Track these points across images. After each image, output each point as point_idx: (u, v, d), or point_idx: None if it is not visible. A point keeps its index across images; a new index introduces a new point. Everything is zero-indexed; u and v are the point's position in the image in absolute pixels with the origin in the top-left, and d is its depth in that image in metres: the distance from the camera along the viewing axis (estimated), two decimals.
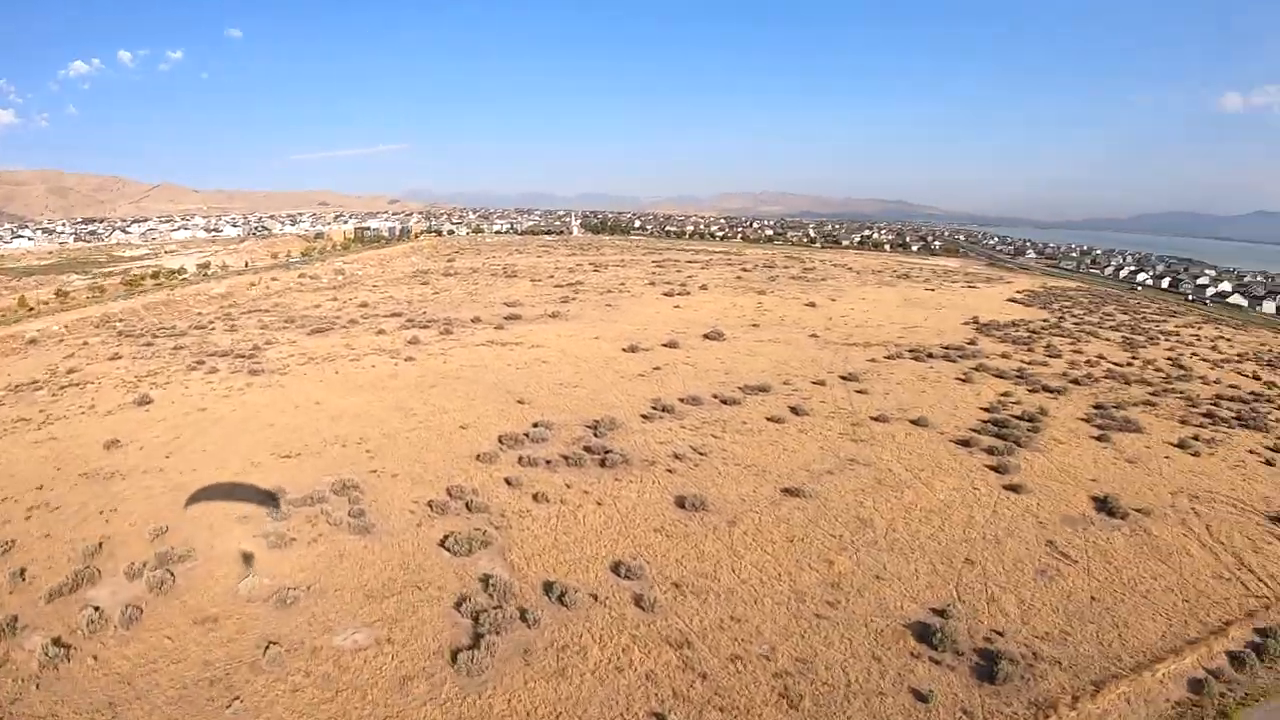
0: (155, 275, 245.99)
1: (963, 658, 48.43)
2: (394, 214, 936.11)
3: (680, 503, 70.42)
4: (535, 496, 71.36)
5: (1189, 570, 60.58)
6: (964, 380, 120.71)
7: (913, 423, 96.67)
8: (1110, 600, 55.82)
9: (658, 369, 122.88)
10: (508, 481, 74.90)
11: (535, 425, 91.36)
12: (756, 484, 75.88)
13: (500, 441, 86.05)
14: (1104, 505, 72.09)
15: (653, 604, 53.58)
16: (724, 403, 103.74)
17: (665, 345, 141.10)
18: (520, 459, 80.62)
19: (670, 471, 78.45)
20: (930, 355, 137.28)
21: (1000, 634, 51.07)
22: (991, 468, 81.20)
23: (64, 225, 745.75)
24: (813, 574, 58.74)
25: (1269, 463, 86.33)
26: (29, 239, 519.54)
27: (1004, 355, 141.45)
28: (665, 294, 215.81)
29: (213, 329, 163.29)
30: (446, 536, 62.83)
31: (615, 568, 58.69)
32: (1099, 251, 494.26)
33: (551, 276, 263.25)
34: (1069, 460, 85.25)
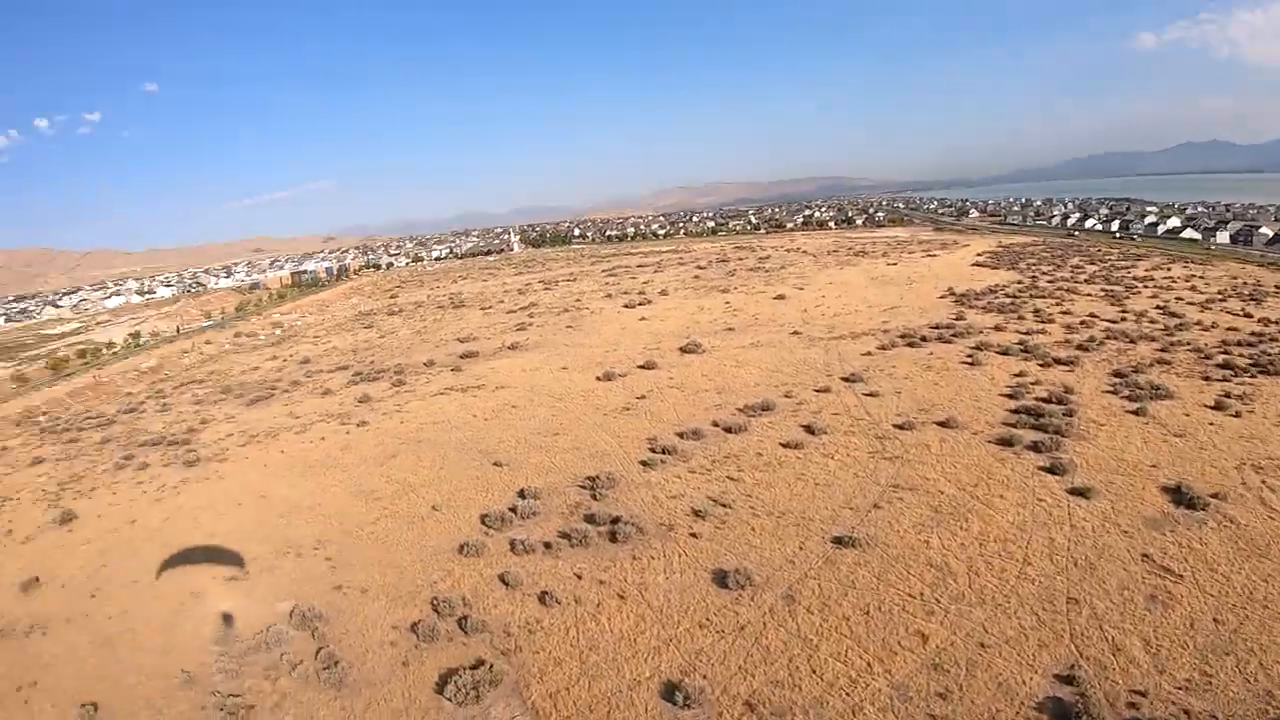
0: (82, 354, 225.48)
1: None
2: (330, 252, 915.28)
3: (720, 579, 56.27)
4: (542, 598, 56.61)
5: None
6: (971, 363, 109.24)
7: (941, 425, 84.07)
8: (1235, 620, 45.75)
9: (642, 398, 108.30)
10: (503, 581, 59.88)
11: (521, 495, 76.43)
12: (800, 537, 62.09)
13: (483, 523, 70.93)
14: (1178, 496, 61.55)
15: None
16: (728, 431, 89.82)
17: (642, 366, 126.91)
18: (512, 544, 65.53)
19: (694, 536, 64.18)
20: (924, 339, 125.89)
21: (1142, 694, 40.27)
22: (1045, 469, 69.28)
23: None
24: (907, 656, 45.62)
25: None
26: None
27: (997, 328, 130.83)
28: (626, 305, 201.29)
29: (143, 411, 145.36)
30: (444, 679, 48.21)
31: (668, 693, 44.54)
32: (1039, 202, 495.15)
33: (501, 301, 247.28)
34: (1118, 445, 74.16)
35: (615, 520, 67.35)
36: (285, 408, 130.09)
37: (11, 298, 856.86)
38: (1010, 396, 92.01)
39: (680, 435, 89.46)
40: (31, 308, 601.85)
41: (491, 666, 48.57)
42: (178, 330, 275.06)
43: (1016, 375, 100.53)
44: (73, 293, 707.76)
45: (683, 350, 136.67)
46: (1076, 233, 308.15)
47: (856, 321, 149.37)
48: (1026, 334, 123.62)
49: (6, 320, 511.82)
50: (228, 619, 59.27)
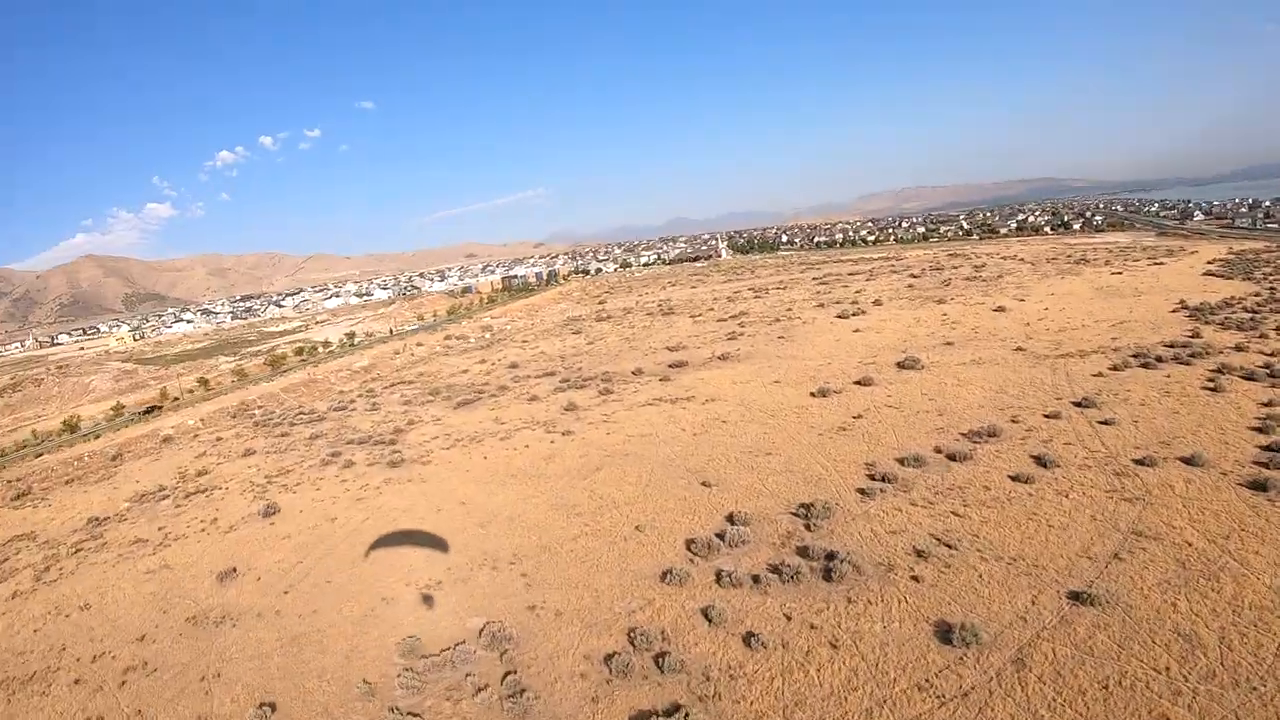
0: (299, 351, 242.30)
1: None
2: (540, 258, 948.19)
3: (943, 634, 51.25)
4: (747, 640, 53.30)
5: None
6: (1213, 389, 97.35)
7: (1184, 462, 74.69)
8: None
9: (858, 418, 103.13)
10: (706, 615, 57.01)
11: (730, 520, 73.33)
12: (1032, 589, 55.89)
13: (689, 549, 68.39)
14: None
15: None
16: (951, 459, 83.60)
17: (858, 383, 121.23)
18: (718, 575, 62.64)
19: (916, 580, 59.02)
20: (1159, 359, 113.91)
21: None
22: None
23: (223, 304, 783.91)
24: None
25: None
26: (188, 322, 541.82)
27: (1238, 348, 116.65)
28: (839, 316, 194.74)
29: (353, 409, 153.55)
30: None
31: None
32: (1268, 203, 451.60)
33: (711, 309, 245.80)
34: None
35: (830, 556, 63.24)
36: (491, 412, 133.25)
37: (239, 297, 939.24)
38: (1260, 430, 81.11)
39: (900, 461, 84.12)
40: (257, 306, 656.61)
41: (687, 716, 45.69)
42: (390, 331, 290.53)
43: (1265, 405, 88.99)
44: (295, 294, 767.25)
45: (900, 366, 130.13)
46: None
47: (1083, 337, 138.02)
48: (1272, 355, 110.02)
49: (233, 318, 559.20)
50: (413, 641, 59.07)
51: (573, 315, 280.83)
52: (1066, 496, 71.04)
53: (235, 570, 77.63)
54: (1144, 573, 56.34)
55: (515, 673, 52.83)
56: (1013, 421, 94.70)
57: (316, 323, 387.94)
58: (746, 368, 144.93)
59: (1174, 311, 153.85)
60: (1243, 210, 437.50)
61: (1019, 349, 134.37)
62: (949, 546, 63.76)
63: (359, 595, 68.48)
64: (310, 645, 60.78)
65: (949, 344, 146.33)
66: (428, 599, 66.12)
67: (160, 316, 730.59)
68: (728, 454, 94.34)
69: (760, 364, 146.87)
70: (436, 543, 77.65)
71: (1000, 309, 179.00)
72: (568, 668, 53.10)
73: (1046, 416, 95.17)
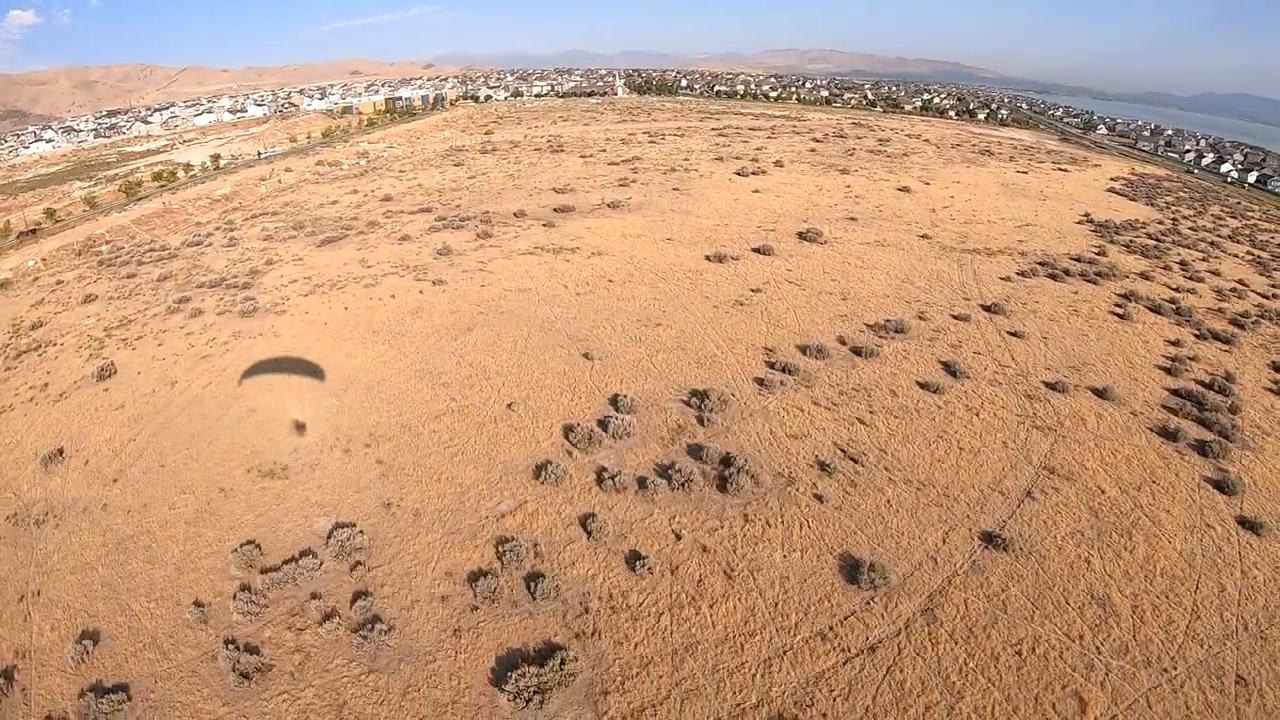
0: (158, 177, 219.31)
1: None
2: (429, 80, 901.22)
3: (850, 571, 45.60)
4: (630, 561, 46.36)
5: None
6: (1120, 316, 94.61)
7: (1096, 394, 71.40)
8: None
9: (757, 291, 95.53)
10: (584, 526, 49.72)
11: (614, 404, 65.56)
12: (943, 524, 50.75)
13: (567, 437, 60.41)
14: None
15: None
16: (856, 354, 77.20)
17: (757, 250, 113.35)
18: (599, 475, 55.12)
19: (819, 499, 52.78)
20: (1066, 273, 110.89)
21: None
22: (1212, 483, 57.64)
23: (87, 121, 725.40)
24: None
25: None
26: (48, 142, 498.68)
27: (1144, 275, 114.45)
28: (738, 173, 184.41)
29: (209, 245, 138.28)
30: (504, 666, 39.37)
31: None
32: (1169, 131, 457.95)
33: (603, 150, 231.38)
34: None
35: (725, 461, 56.27)
36: (358, 252, 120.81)
37: (105, 112, 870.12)
38: (1167, 371, 78.58)
39: (802, 350, 77.26)
40: (122, 123, 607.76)
41: (563, 662, 38.48)
42: (258, 154, 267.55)
43: (1171, 344, 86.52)
44: (164, 109, 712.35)
45: (801, 237, 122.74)
46: (1215, 175, 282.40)
47: (990, 235, 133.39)
48: (1176, 291, 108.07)
49: (96, 136, 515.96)
50: (252, 545, 50.15)
51: (456, 145, 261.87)
52: (977, 415, 65.62)
53: (62, 451, 66.96)
54: (1057, 518, 52.21)
55: (368, 594, 44.80)
56: (919, 318, 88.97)
57: (183, 142, 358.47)
58: (638, 219, 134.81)
59: (1079, 223, 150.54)
60: (1145, 133, 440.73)
61: (924, 236, 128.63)
62: (854, 461, 57.53)
63: (194, 484, 58.91)
64: (138, 552, 51.69)
65: (852, 219, 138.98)
66: (268, 491, 56.86)
67: (19, 136, 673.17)
68: (613, 320, 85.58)
69: (652, 217, 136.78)
70: (284, 417, 67.97)
71: (905, 189, 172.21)
72: (426, 588, 45.36)
73: (955, 317, 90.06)
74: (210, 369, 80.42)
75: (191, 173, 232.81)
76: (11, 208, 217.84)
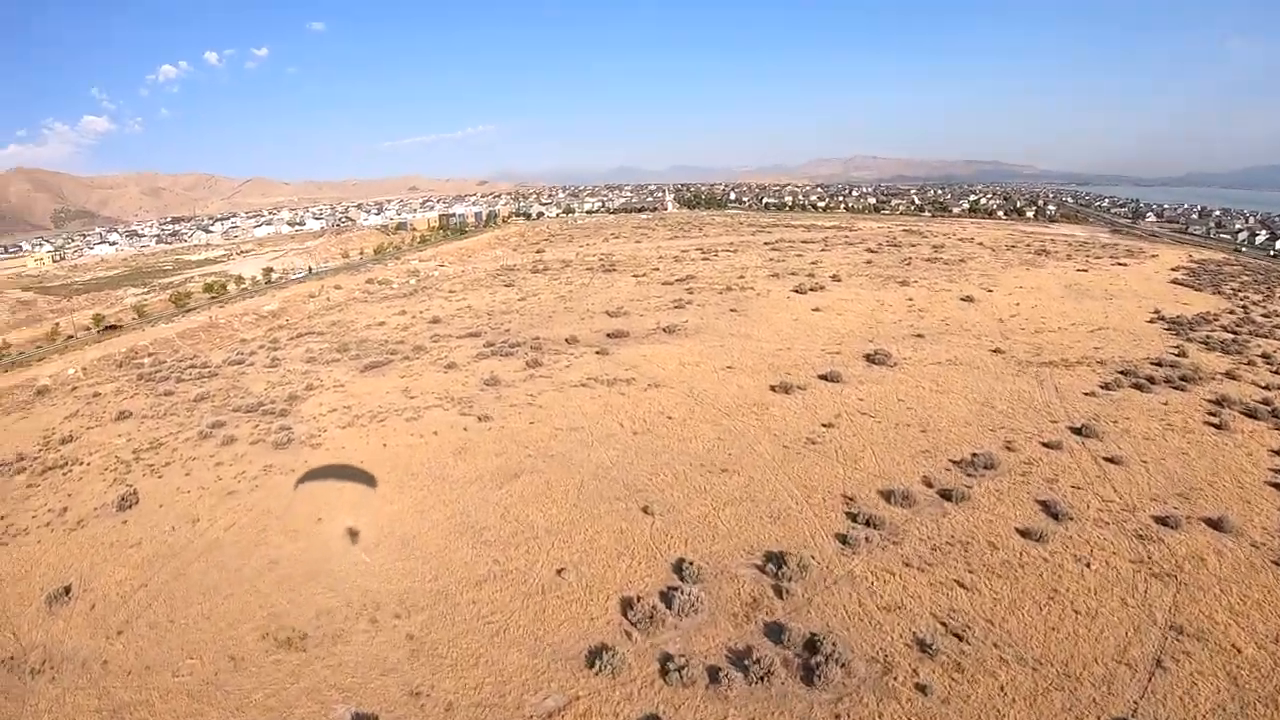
0: (208, 288, 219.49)
1: None
2: (483, 196, 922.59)
3: None
4: None
5: None
6: (1217, 426, 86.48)
7: (1210, 525, 63.17)
8: None
9: (829, 426, 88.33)
10: None
11: (678, 571, 57.63)
12: (1068, 713, 42.29)
13: (625, 614, 52.38)
14: None
15: None
16: (945, 497, 69.28)
17: (824, 378, 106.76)
18: (663, 665, 46.93)
19: (921, 690, 44.22)
20: (1151, 380, 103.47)
21: None
22: None
23: (151, 226, 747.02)
24: None
25: None
26: (112, 244, 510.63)
27: (1230, 375, 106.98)
28: (796, 290, 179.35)
29: (251, 363, 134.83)
30: None
31: None
32: (1217, 212, 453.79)
33: (656, 269, 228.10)
34: None
35: (811, 644, 48.15)
36: (402, 380, 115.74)
37: (170, 219, 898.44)
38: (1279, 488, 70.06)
39: (885, 497, 69.53)
40: (185, 231, 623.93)
41: None
42: (309, 270, 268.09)
43: (1276, 454, 78.48)
44: (226, 219, 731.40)
45: (869, 360, 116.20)
46: (1268, 253, 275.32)
47: (1064, 343, 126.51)
48: (1267, 390, 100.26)
49: (158, 241, 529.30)
50: None
51: (508, 264, 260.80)
52: (1088, 567, 57.31)
53: (69, 590, 61.21)
54: (1194, 691, 43.77)
55: None
56: (1007, 449, 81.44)
57: (240, 253, 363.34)
58: (695, 345, 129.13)
59: (1151, 322, 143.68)
60: (1194, 216, 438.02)
61: (997, 350, 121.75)
62: (958, 637, 49.13)
63: (203, 647, 52.25)
64: None
65: (919, 337, 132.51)
66: (282, 667, 49.78)
67: (85, 236, 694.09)
68: (674, 465, 78.46)
69: (711, 341, 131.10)
70: (308, 572, 61.36)
71: (968, 299, 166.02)
72: None
73: (1045, 445, 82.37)
74: (235, 508, 74.60)
75: (243, 285, 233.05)
76: (63, 310, 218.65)
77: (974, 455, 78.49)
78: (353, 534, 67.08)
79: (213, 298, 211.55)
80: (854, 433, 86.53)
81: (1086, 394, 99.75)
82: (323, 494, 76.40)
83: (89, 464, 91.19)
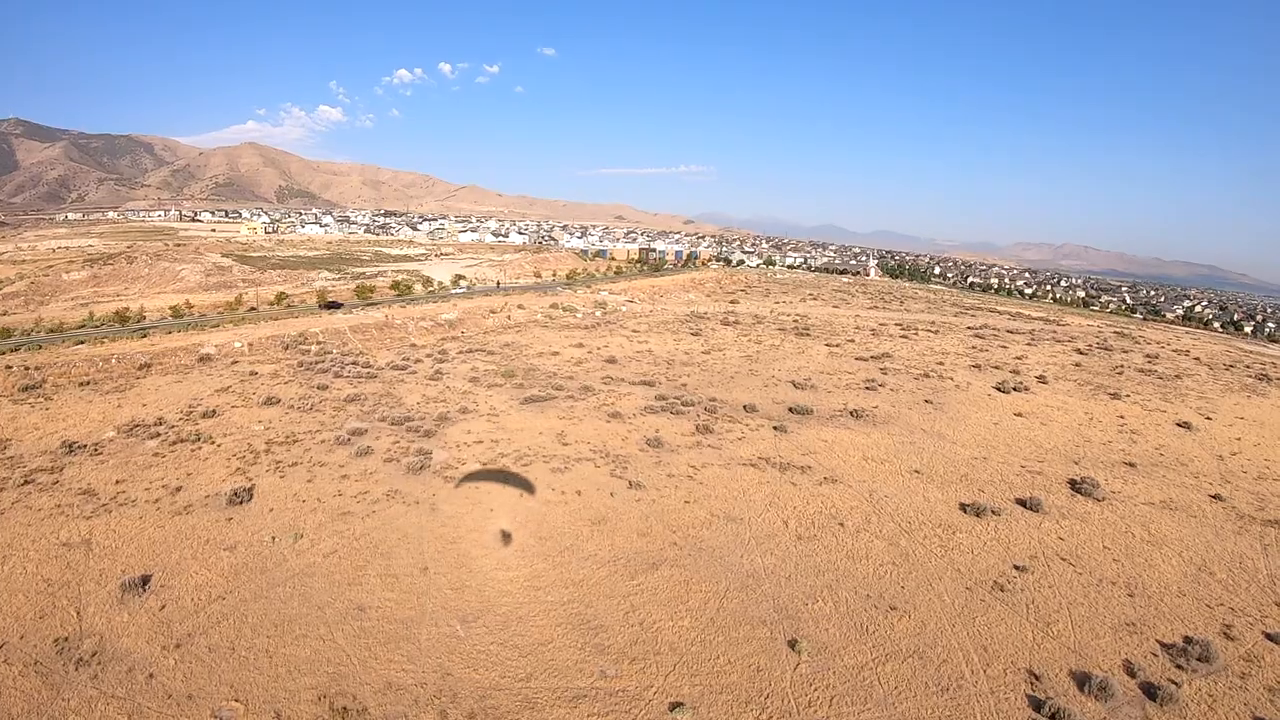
0: (395, 286, 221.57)
1: None
2: (686, 235, 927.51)
3: None
4: None
5: None
6: None
7: None
8: None
9: (1021, 570, 74.58)
10: None
11: None
12: None
13: None
14: None
15: None
16: (1149, 695, 54.73)
17: (1021, 503, 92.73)
18: None
19: None
20: None
21: None
22: None
23: (364, 215, 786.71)
24: None
25: None
26: (323, 226, 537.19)
27: None
28: (998, 387, 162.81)
29: (413, 372, 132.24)
30: None
31: None
32: None
33: (851, 340, 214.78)
34: None
35: None
36: (560, 421, 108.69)
37: (383, 211, 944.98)
38: None
39: (1078, 682, 55.85)
40: (394, 225, 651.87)
41: None
42: (498, 284, 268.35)
43: None
44: (436, 219, 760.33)
45: (1074, 487, 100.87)
46: None
47: None
48: None
49: (366, 231, 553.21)
50: None
51: (698, 311, 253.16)
52: None
53: (147, 582, 57.98)
54: None
55: None
56: (1225, 635, 66.08)
57: (439, 255, 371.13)
58: (883, 438, 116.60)
59: None
60: None
61: (1216, 497, 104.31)
62: None
63: (253, 693, 46.32)
64: None
65: (1130, 465, 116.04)
66: None
67: (301, 214, 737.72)
68: (836, 590, 67.00)
69: (900, 436, 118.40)
70: (393, 633, 54.07)
71: (1185, 424, 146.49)
72: None
73: (1270, 638, 66.38)
74: (343, 533, 68.99)
75: (430, 289, 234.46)
76: (254, 281, 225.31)
77: (1187, 640, 63.76)
78: (456, 596, 59.79)
79: (399, 295, 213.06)
80: (1050, 584, 72.89)
81: None
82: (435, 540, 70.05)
83: (220, 446, 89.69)
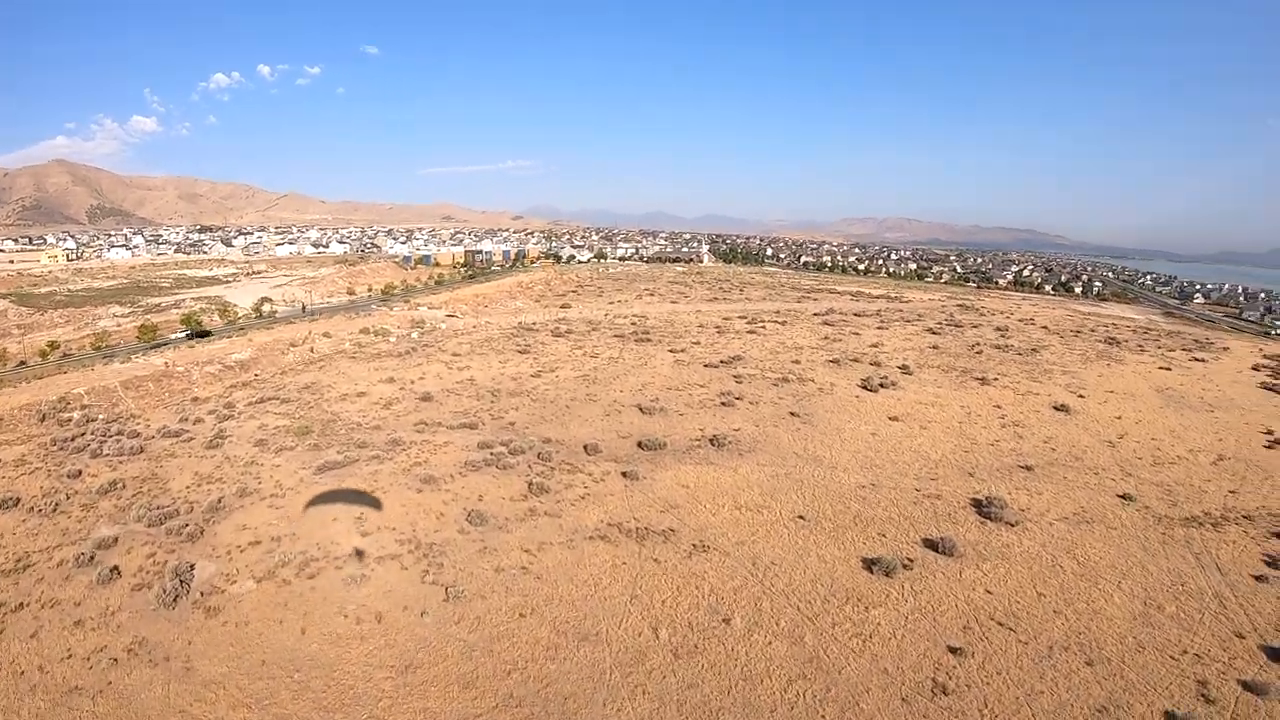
0: (186, 320, 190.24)
1: None
2: (515, 232, 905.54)
3: None
4: None
5: None
6: None
7: None
8: None
9: (956, 653, 59.11)
10: None
11: None
12: None
13: None
14: None
15: None
16: None
17: (931, 545, 78.14)
18: None
19: None
20: None
21: None
22: None
23: (177, 233, 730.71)
24: None
25: None
26: (130, 249, 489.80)
27: None
28: (864, 386, 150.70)
29: (189, 439, 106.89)
30: None
31: None
32: (1262, 294, 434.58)
33: (697, 342, 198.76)
34: None
35: None
36: (354, 506, 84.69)
37: (198, 227, 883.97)
38: None
39: None
40: (207, 241, 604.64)
41: None
42: (303, 308, 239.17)
43: None
44: (251, 233, 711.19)
45: (980, 511, 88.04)
46: None
47: (1192, 483, 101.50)
48: None
49: (177, 250, 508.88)
50: None
51: (527, 322, 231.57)
52: None
53: None
54: None
55: None
56: (1204, 699, 53.72)
57: (250, 274, 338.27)
58: (753, 472, 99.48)
59: (1269, 447, 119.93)
60: (1242, 299, 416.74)
61: (1125, 496, 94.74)
62: None
63: None
64: None
65: (1027, 469, 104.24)
66: None
67: (110, 236, 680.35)
68: None
69: (772, 467, 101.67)
70: None
71: (1062, 408, 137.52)
72: None
73: (1247, 688, 55.07)
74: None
75: (228, 319, 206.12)
76: (31, 327, 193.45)
77: (1169, 717, 51.66)
78: None
79: (188, 332, 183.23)
80: (996, 668, 57.31)
81: (1256, 577, 73.70)
82: None
83: None
